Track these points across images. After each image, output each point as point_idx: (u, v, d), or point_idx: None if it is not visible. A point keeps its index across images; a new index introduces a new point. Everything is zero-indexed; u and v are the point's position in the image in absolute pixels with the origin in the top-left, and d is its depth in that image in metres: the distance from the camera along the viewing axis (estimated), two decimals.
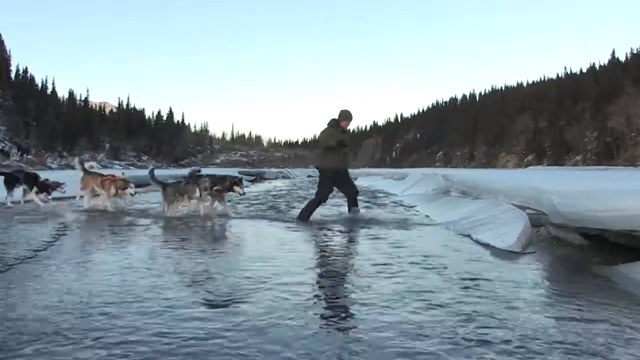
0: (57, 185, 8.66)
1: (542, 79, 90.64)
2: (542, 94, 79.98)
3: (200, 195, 7.24)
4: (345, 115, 7.01)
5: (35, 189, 8.39)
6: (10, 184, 8.31)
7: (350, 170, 7.29)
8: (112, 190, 7.90)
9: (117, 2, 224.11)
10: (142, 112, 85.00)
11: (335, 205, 8.37)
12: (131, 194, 8.06)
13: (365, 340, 2.09)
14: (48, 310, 2.44)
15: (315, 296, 2.85)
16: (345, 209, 7.18)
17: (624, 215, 3.72)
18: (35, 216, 7.06)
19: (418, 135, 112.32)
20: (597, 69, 76.12)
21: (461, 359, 1.91)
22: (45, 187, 8.53)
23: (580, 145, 66.52)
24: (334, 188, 7.07)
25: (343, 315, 2.45)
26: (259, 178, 30.81)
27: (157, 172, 9.09)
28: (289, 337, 2.11)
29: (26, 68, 64.03)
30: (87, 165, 8.53)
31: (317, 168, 7.16)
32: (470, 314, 2.47)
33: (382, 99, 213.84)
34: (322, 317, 2.43)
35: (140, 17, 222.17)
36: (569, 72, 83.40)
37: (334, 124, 7.00)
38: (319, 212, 6.98)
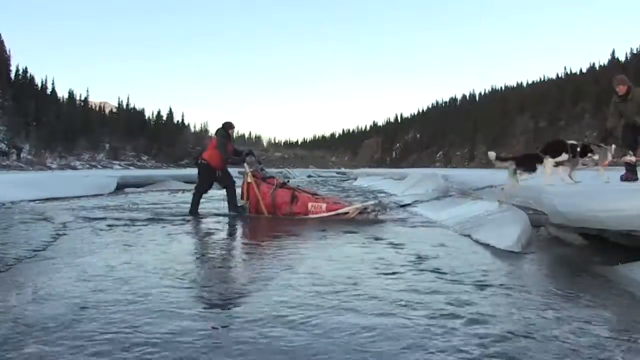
0: None
1: (542, 79, 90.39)
2: (542, 94, 79.81)
3: None
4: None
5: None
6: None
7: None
8: None
9: (117, 2, 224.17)
10: (142, 112, 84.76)
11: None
12: None
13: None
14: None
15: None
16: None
17: (624, 215, 3.72)
18: (35, 216, 7.06)
19: (418, 135, 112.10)
20: (597, 69, 75.95)
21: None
22: None
23: None
24: None
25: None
26: None
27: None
28: None
29: (26, 68, 63.68)
30: None
31: None
32: (470, 313, 2.47)
33: (382, 99, 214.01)
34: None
35: (140, 17, 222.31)
36: (569, 72, 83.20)
37: None
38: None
